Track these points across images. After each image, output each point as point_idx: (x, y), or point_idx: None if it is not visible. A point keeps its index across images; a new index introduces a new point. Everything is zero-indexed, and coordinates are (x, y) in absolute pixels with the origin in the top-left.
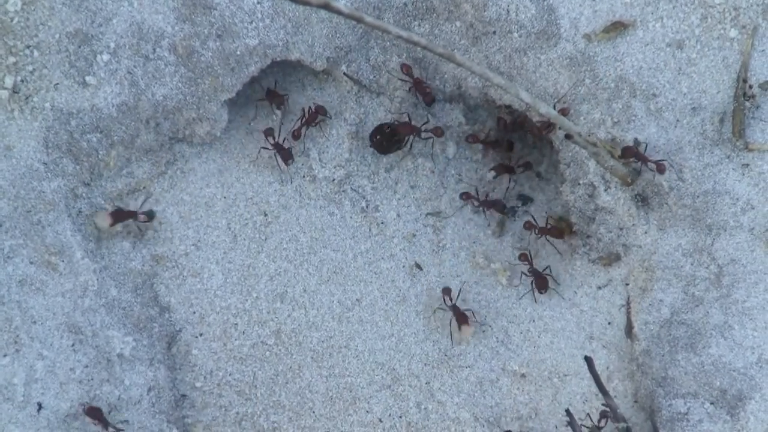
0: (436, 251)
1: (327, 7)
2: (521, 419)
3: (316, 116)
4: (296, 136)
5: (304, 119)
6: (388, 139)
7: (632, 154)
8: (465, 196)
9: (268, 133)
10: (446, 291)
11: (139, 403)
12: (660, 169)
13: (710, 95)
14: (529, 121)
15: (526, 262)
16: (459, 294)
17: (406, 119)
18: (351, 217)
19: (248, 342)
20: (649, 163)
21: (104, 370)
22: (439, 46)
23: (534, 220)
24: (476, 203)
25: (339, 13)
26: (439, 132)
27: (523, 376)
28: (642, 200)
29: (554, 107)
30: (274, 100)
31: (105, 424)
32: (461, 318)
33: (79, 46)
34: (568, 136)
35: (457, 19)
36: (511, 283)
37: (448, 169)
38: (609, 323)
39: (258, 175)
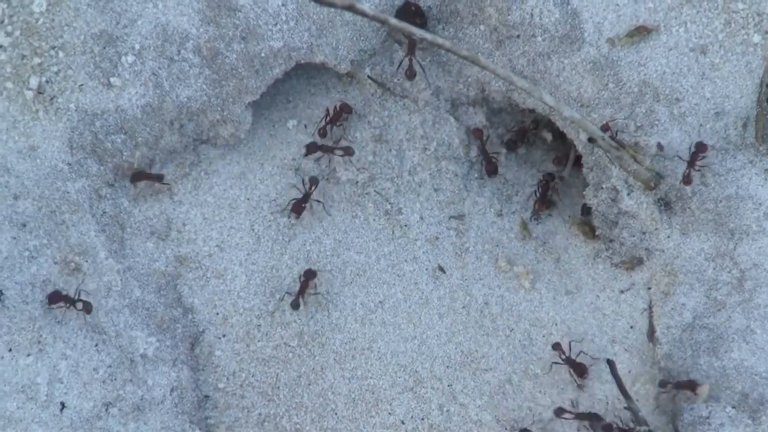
0: (459, 254)
1: (352, 8)
2: (543, 422)
3: (341, 114)
4: (322, 134)
5: (329, 117)
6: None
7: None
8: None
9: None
10: (557, 346)
11: (162, 404)
12: (686, 181)
13: (733, 100)
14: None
15: (560, 352)
16: (570, 347)
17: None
18: (374, 220)
19: (271, 344)
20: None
21: (127, 371)
22: (464, 48)
23: None
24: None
25: (364, 14)
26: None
27: (545, 379)
28: (665, 204)
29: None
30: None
31: (70, 301)
32: (578, 369)
33: (104, 48)
34: (591, 140)
35: (481, 22)
36: (533, 286)
37: (471, 172)
38: (631, 327)
39: (282, 177)
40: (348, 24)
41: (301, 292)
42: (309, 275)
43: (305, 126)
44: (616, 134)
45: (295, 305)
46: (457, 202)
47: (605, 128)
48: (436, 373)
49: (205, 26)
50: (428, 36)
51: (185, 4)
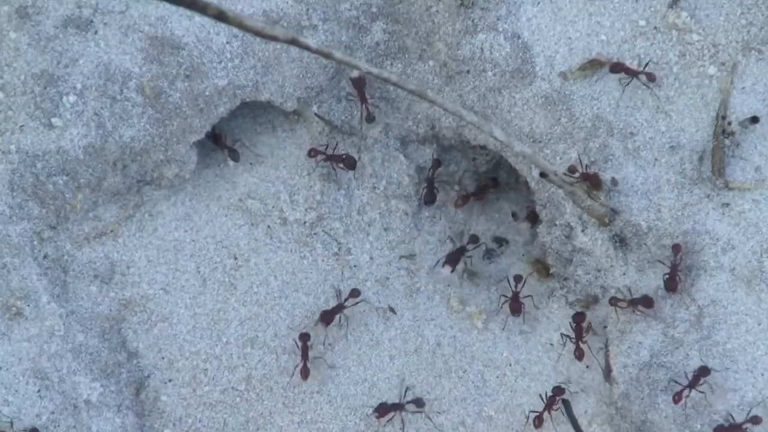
0: (410, 294)
1: (295, 42)
2: None
3: (341, 159)
4: (311, 155)
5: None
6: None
7: (621, 68)
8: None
9: None
10: (559, 391)
11: None
12: (651, 78)
13: (689, 133)
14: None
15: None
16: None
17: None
18: (323, 261)
19: (218, 388)
20: (640, 75)
21: (71, 417)
22: (411, 83)
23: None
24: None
25: (308, 48)
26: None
27: (499, 421)
28: (620, 241)
29: (584, 167)
30: (229, 153)
31: None
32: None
33: (45, 88)
34: (543, 175)
35: (430, 58)
36: (486, 326)
37: (422, 210)
38: (587, 367)
39: (228, 218)
40: (294, 60)
41: (305, 356)
42: (304, 338)
43: (251, 165)
44: (587, 168)
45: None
46: (407, 241)
47: (572, 170)
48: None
49: (147, 65)
50: (374, 70)
51: (127, 42)
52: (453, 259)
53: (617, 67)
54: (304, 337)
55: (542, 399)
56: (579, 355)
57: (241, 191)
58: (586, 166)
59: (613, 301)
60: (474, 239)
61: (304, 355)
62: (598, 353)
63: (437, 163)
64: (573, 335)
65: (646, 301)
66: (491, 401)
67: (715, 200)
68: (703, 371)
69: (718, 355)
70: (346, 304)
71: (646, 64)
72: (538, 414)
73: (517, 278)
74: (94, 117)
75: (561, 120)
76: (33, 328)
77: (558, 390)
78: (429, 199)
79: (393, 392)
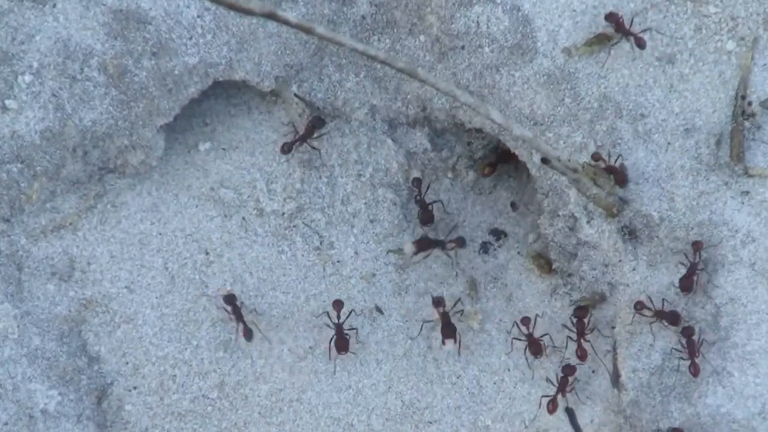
0: (399, 293)
1: (273, 16)
2: None
3: (313, 130)
4: (285, 150)
5: (298, 135)
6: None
7: (614, 20)
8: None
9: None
10: (570, 370)
11: None
12: (639, 42)
13: (705, 115)
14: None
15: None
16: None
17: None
18: (303, 256)
19: (188, 396)
20: (630, 36)
21: (26, 428)
22: (400, 60)
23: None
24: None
25: (287, 23)
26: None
27: (497, 431)
28: (629, 233)
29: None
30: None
31: None
32: (535, 347)
33: None
34: (545, 161)
35: (421, 32)
36: (483, 327)
37: (411, 200)
38: (593, 371)
39: (198, 209)
40: (272, 36)
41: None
42: (317, 123)
43: (224, 151)
44: (616, 160)
45: (285, 150)
46: (395, 234)
47: (596, 158)
48: (374, 426)
49: (111, 41)
50: (359, 46)
51: (89, 16)
52: (421, 246)
53: (612, 18)
54: (231, 299)
55: (551, 382)
56: (581, 354)
57: (213, 179)
58: (611, 156)
59: (639, 307)
60: (460, 242)
61: (238, 317)
62: (606, 356)
63: (418, 181)
64: (574, 333)
65: (673, 318)
66: (488, 410)
67: (733, 188)
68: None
69: (737, 357)
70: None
71: (637, 28)
72: (551, 398)
73: (525, 321)
74: (52, 98)
75: (565, 100)
76: None
77: (569, 369)
78: (426, 219)
79: (380, 400)
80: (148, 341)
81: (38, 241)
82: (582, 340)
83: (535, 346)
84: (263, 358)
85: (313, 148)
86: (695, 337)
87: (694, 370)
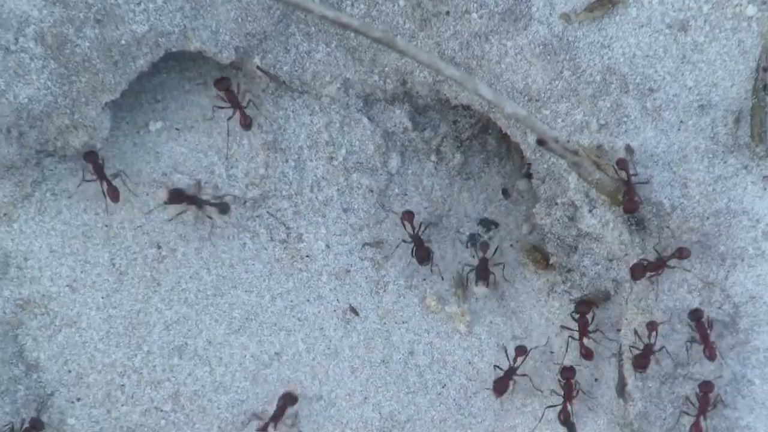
0: (376, 291)
1: None
2: None
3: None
4: (245, 124)
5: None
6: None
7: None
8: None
9: (223, 85)
10: (569, 373)
11: None
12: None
13: (722, 89)
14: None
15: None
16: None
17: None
18: (268, 250)
19: (138, 408)
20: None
21: None
22: (377, 29)
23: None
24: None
25: None
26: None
27: None
28: (637, 223)
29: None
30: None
31: None
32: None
33: None
34: (541, 142)
35: None
36: (471, 330)
37: (391, 186)
38: (596, 380)
39: (149, 197)
40: (231, 1)
41: (275, 419)
42: (288, 400)
43: (178, 131)
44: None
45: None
46: (372, 225)
47: (621, 166)
48: None
49: (49, 7)
50: (330, 13)
51: None
52: (421, 255)
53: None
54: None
55: (556, 393)
56: (586, 353)
57: (166, 164)
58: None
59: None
60: (483, 246)
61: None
62: (610, 362)
63: (410, 215)
64: (575, 332)
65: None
66: (477, 423)
67: (754, 172)
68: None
69: (759, 363)
70: None
71: None
72: (561, 407)
73: (520, 351)
74: None
75: (563, 73)
76: None
77: (568, 372)
78: (423, 257)
79: (355, 412)
80: (93, 347)
81: None
82: (585, 338)
83: (502, 384)
84: (223, 365)
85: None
86: (589, 315)
87: (585, 353)
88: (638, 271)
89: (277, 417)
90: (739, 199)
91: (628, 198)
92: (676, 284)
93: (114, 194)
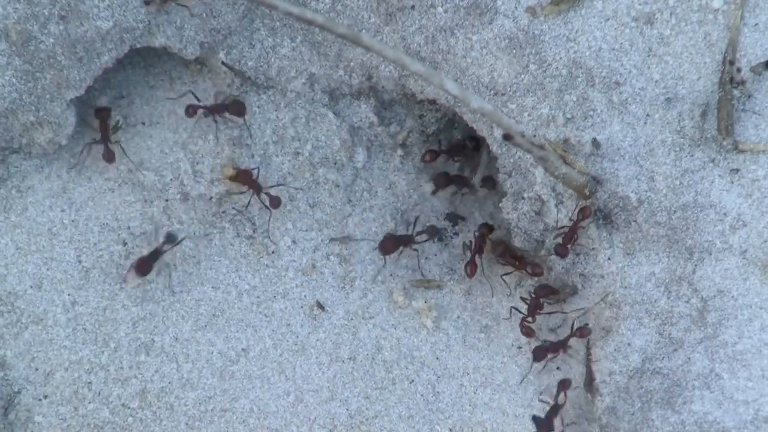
0: (343, 287)
1: None
2: None
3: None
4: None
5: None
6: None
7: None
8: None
9: (100, 115)
10: (486, 229)
11: None
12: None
13: (689, 82)
14: None
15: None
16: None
17: None
18: (234, 246)
19: (106, 405)
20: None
21: None
22: (341, 25)
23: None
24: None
25: None
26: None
27: None
28: (604, 218)
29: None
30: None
31: None
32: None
33: None
34: (507, 137)
35: None
36: (438, 325)
37: (357, 181)
38: (557, 369)
39: (115, 193)
40: None
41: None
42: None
43: (143, 127)
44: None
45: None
46: (339, 220)
47: (585, 214)
48: None
49: (13, 3)
50: (294, 9)
51: None
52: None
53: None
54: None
55: (546, 402)
56: (527, 332)
57: (132, 159)
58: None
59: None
60: (432, 231)
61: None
62: (577, 357)
63: (428, 231)
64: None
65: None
66: (445, 418)
67: (722, 165)
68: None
69: (727, 358)
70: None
71: None
72: (469, 260)
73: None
74: None
75: (529, 67)
76: None
77: (485, 227)
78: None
79: (323, 408)
80: (59, 344)
81: None
82: (528, 318)
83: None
84: (190, 361)
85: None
86: (542, 295)
87: (525, 331)
88: (540, 354)
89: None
90: (706, 193)
91: (563, 243)
92: (644, 278)
93: (110, 156)
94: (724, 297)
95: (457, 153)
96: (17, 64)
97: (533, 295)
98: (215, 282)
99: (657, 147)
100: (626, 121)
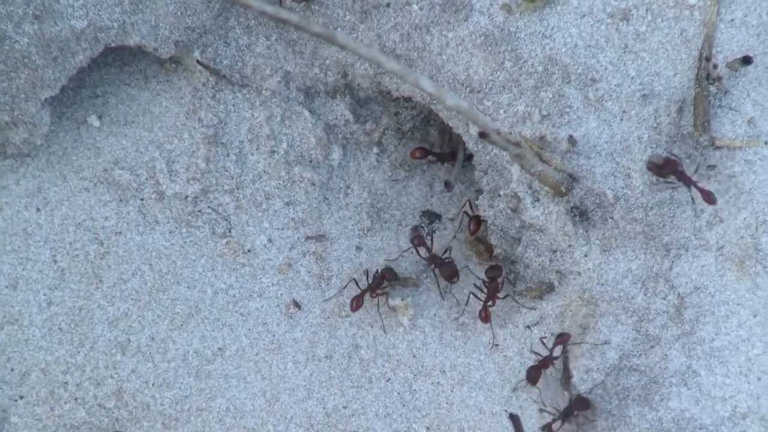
0: (319, 285)
1: None
2: None
3: (382, 281)
4: (355, 306)
5: (367, 285)
6: None
7: (673, 170)
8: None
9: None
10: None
11: None
12: (709, 198)
13: (665, 79)
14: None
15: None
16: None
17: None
18: (209, 244)
19: (82, 406)
20: (693, 187)
21: None
22: (316, 24)
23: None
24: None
25: None
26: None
27: None
28: (580, 214)
29: None
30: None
31: None
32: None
33: None
34: (483, 135)
35: None
36: (414, 323)
37: (333, 179)
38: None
39: (90, 193)
40: None
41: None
42: (388, 275)
43: (118, 126)
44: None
45: (355, 306)
46: (314, 218)
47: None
48: None
49: None
50: (269, 8)
51: None
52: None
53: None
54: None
55: (548, 412)
56: (485, 317)
57: (107, 159)
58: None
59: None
60: (450, 273)
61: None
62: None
63: (420, 238)
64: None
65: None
66: (422, 416)
67: (698, 161)
68: (581, 403)
69: (704, 355)
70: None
71: None
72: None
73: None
74: None
75: (505, 64)
76: None
77: (495, 271)
78: (450, 273)
79: (299, 407)
80: (35, 344)
81: None
82: (487, 304)
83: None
84: (166, 361)
85: None
86: (500, 280)
87: (484, 315)
88: (535, 375)
89: (373, 289)
90: (682, 189)
91: (485, 307)
92: (621, 275)
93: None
94: (701, 293)
95: (449, 160)
96: None
97: (489, 279)
98: (191, 281)
99: (633, 143)
100: (602, 117)
